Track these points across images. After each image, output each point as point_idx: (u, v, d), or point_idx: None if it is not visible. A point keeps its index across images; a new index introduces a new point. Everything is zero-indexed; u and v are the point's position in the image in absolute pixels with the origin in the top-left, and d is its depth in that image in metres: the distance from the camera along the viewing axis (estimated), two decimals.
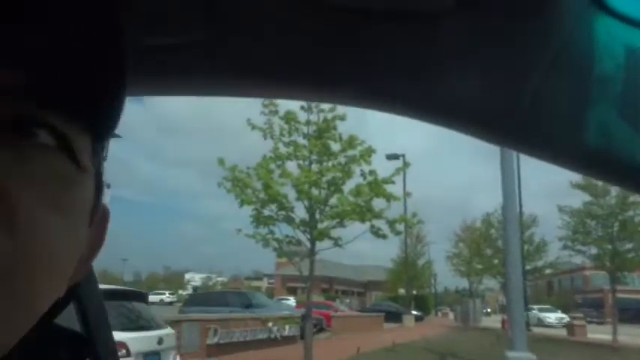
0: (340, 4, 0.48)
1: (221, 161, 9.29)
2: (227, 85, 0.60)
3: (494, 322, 28.60)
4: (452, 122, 0.59)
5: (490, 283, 35.46)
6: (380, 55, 0.52)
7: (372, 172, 9.58)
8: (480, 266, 29.95)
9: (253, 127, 9.47)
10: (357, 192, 9.52)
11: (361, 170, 9.64)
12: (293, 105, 10.00)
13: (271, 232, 9.76)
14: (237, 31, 0.51)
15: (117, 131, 0.37)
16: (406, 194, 11.40)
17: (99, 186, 0.33)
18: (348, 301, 35.06)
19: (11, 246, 0.24)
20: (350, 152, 9.65)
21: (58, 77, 0.26)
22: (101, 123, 0.30)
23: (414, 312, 29.47)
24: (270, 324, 13.05)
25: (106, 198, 0.39)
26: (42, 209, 0.26)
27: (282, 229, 9.88)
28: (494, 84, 0.53)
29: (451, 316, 37.43)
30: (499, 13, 0.47)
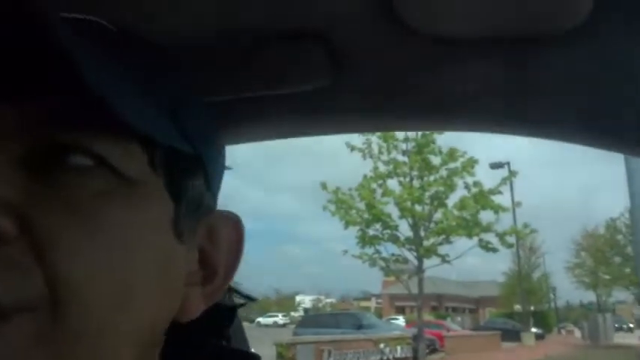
0: (464, 37, 0.50)
1: (324, 185, 9.51)
2: (345, 123, 0.64)
3: (633, 338, 25.75)
4: (576, 136, 0.58)
5: (621, 295, 32.26)
6: (501, 77, 0.54)
7: (476, 184, 9.26)
8: (607, 276, 27.40)
9: (352, 148, 9.60)
10: (462, 205, 9.23)
11: (464, 182, 9.34)
12: None
13: (377, 252, 9.74)
14: (356, 73, 0.55)
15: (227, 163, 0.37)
16: (515, 204, 10.84)
17: (177, 196, 0.30)
18: (459, 319, 33.59)
19: (42, 275, 0.24)
20: (451, 165, 9.41)
21: (75, 99, 0.25)
22: (142, 130, 0.26)
23: (534, 329, 27.48)
24: (381, 345, 12.89)
25: None
26: (78, 232, 0.25)
27: (388, 248, 9.82)
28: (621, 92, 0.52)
29: (577, 333, 34.35)
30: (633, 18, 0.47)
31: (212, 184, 0.35)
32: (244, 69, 0.54)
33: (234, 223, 0.35)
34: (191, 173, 0.32)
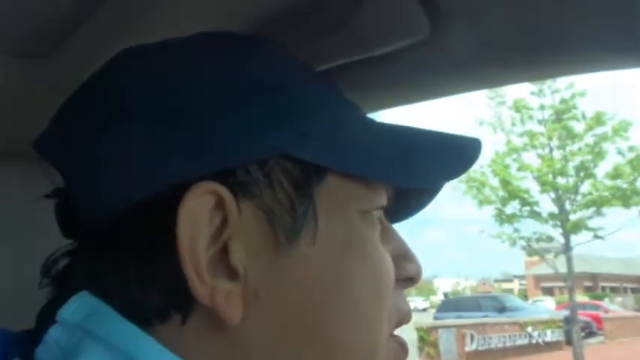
0: None
1: None
2: (452, 83, 0.57)
3: None
4: None
5: None
6: None
7: (632, 148, 8.21)
8: None
9: (482, 122, 9.09)
10: (616, 173, 8.26)
11: (617, 148, 8.34)
12: (521, 92, 9.32)
13: (517, 230, 9.14)
14: (456, 25, 0.47)
15: None
16: None
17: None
18: (620, 299, 30.35)
19: None
20: (599, 130, 8.45)
21: None
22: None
23: None
24: (529, 328, 12.15)
25: None
26: None
27: (529, 226, 9.16)
28: None
29: None
30: None
31: None
32: (334, 34, 0.50)
33: None
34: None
